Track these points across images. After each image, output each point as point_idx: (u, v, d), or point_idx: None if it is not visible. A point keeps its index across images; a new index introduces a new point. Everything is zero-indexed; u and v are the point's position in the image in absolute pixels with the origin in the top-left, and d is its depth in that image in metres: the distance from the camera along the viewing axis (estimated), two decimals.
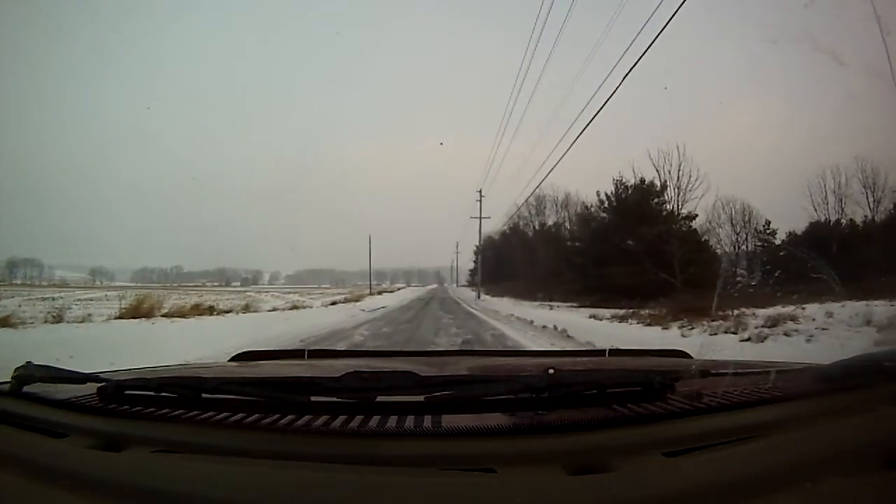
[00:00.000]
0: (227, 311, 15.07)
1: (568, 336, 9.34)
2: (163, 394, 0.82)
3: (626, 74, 8.54)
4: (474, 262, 67.27)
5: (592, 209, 24.28)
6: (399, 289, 65.76)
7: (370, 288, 44.33)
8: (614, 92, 9.32)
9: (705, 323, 10.22)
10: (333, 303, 23.33)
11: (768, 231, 20.82)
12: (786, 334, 8.04)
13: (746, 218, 20.78)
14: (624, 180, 22.20)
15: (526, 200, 27.72)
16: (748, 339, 7.94)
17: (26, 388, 0.88)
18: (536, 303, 23.75)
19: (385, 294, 39.23)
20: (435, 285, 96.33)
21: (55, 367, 0.89)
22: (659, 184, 21.11)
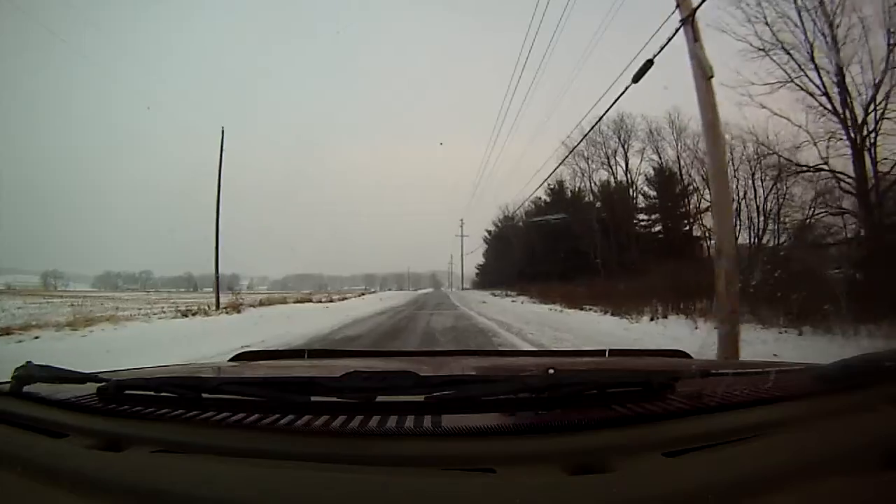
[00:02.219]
0: None
1: None
2: (163, 394, 0.82)
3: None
4: (486, 253, 48.64)
5: None
6: (362, 294, 38.53)
7: (216, 289, 18.25)
8: None
9: None
10: None
11: None
12: None
13: None
14: None
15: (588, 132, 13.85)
16: None
17: (26, 388, 0.88)
18: None
19: (273, 310, 16.82)
20: (429, 289, 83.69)
21: (55, 367, 0.89)
22: None
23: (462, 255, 60.12)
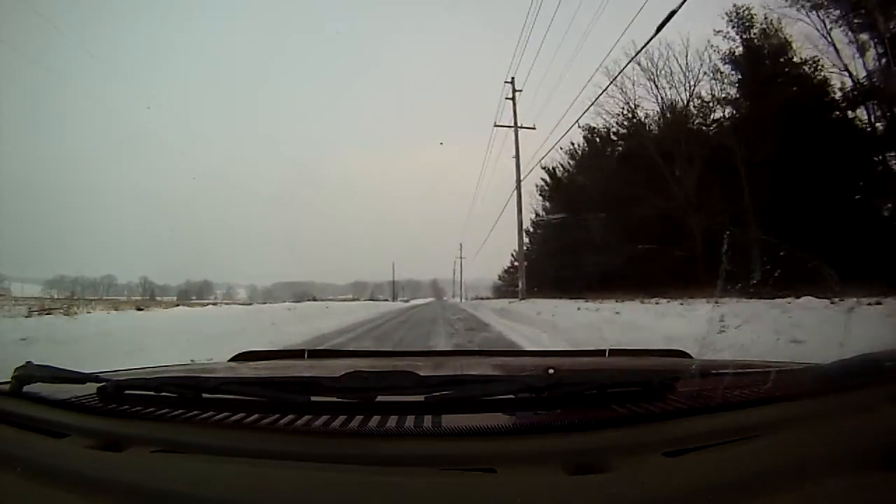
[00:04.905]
0: None
1: None
2: (163, 394, 0.82)
3: None
4: (533, 229, 26.52)
5: None
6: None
7: None
8: None
9: None
10: None
11: None
12: None
13: None
14: None
15: None
16: None
17: (26, 388, 0.88)
18: None
19: None
20: (427, 300, 70.06)
21: (55, 367, 0.89)
22: None
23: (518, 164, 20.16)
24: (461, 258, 62.87)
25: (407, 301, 58.43)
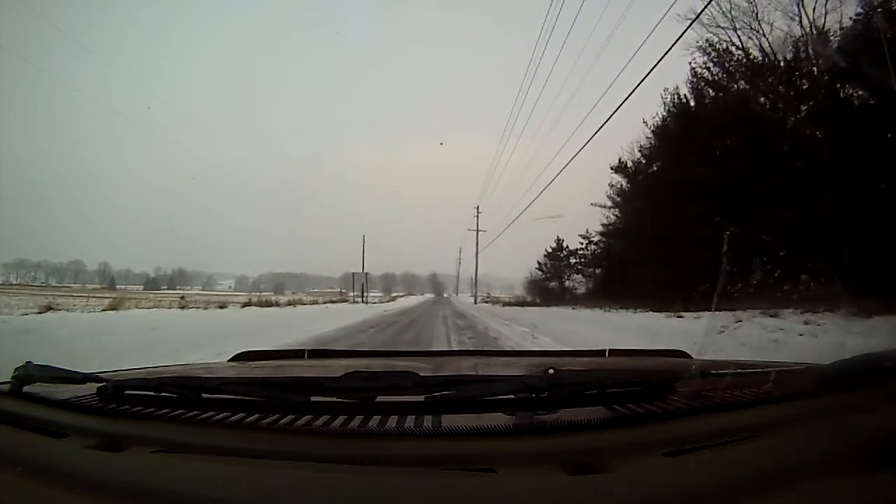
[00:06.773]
0: None
1: None
2: (163, 394, 0.82)
3: None
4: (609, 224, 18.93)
5: None
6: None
7: None
8: None
9: None
10: None
11: None
12: None
13: None
14: None
15: None
16: None
17: (26, 388, 0.88)
18: None
19: None
20: (429, 295, 62.43)
21: (55, 367, 0.89)
22: None
23: None
24: (477, 231, 41.51)
25: (394, 300, 43.42)
